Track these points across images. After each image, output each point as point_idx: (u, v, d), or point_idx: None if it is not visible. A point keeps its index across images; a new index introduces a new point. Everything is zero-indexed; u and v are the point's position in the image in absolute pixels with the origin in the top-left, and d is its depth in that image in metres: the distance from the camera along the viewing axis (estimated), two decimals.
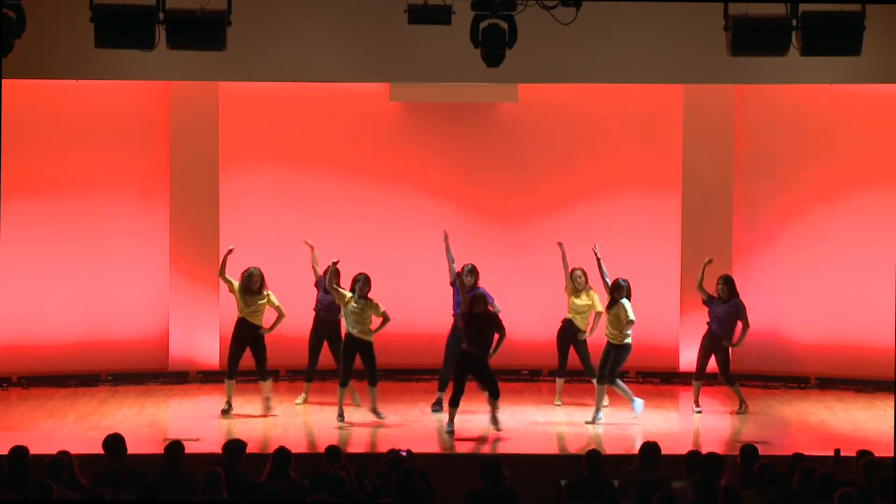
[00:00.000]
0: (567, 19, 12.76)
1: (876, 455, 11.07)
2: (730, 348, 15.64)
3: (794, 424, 15.32)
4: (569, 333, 15.97)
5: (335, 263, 15.35)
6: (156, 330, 17.48)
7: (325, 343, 15.87)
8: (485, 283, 15.46)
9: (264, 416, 15.23)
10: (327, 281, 15.16)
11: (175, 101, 17.22)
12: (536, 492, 12.42)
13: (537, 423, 15.10)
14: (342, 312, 15.07)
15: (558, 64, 14.94)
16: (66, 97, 17.03)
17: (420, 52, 14.64)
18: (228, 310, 17.02)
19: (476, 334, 14.51)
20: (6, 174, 15.80)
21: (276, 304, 15.33)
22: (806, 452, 11.60)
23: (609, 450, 13.74)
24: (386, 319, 14.96)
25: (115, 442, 11.09)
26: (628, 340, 15.14)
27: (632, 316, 15.06)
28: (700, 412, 15.63)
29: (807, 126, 17.60)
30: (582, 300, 15.91)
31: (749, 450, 11.32)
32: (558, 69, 15.08)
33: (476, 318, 14.54)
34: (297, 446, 13.59)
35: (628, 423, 15.09)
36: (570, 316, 15.97)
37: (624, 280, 15.23)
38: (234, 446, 11.12)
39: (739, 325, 15.65)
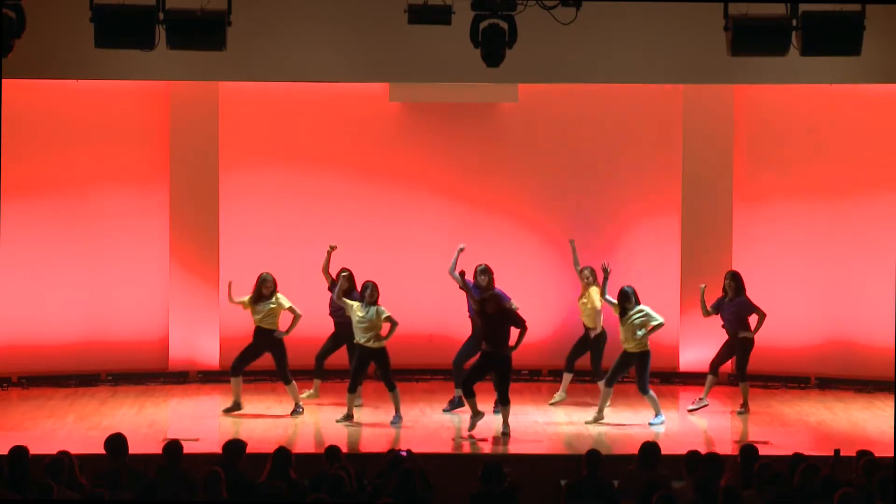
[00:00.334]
0: (567, 19, 12.76)
1: (876, 455, 11.06)
2: (751, 345, 15.56)
3: (793, 424, 15.31)
4: (585, 336, 15.98)
5: (333, 249, 15.39)
6: (156, 330, 17.48)
7: (345, 346, 15.83)
8: None
9: (288, 416, 15.22)
10: (336, 295, 15.14)
11: (175, 101, 17.22)
12: (536, 492, 12.42)
13: (537, 423, 15.10)
14: (353, 323, 15.02)
15: (558, 64, 14.95)
16: (66, 97, 17.03)
17: (420, 52, 14.65)
18: (228, 310, 17.02)
19: (492, 333, 14.49)
20: (6, 174, 15.80)
21: (288, 305, 15.28)
22: (806, 452, 11.59)
23: (609, 450, 13.74)
24: (394, 324, 14.93)
25: (116, 442, 11.09)
26: (648, 347, 15.05)
27: (660, 318, 15.00)
28: (695, 409, 15.59)
29: (807, 126, 17.60)
30: (581, 299, 15.91)
31: (749, 450, 11.32)
32: (558, 69, 15.08)
33: (490, 317, 14.52)
34: (298, 447, 13.62)
35: (628, 423, 15.08)
36: (582, 319, 15.99)
37: (629, 287, 15.14)
38: (234, 446, 11.12)
39: (754, 317, 15.62)
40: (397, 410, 14.92)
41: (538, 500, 12.42)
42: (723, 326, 15.75)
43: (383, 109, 17.68)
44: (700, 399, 15.66)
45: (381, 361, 14.91)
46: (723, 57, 13.15)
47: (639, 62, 15.03)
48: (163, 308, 17.43)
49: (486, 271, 15.40)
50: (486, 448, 14.04)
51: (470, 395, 14.39)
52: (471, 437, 14.33)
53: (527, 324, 14.51)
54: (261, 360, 15.65)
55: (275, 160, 17.69)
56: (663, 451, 11.44)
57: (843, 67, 14.44)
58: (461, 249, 15.52)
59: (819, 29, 12.66)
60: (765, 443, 13.78)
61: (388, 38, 14.57)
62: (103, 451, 11.16)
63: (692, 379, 17.07)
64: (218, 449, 11.41)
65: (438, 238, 17.71)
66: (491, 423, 14.64)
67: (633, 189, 17.79)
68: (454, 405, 15.49)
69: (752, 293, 15.79)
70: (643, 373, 14.98)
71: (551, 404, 16.02)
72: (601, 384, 15.64)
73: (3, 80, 11.64)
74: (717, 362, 15.71)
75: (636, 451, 11.46)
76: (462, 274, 15.18)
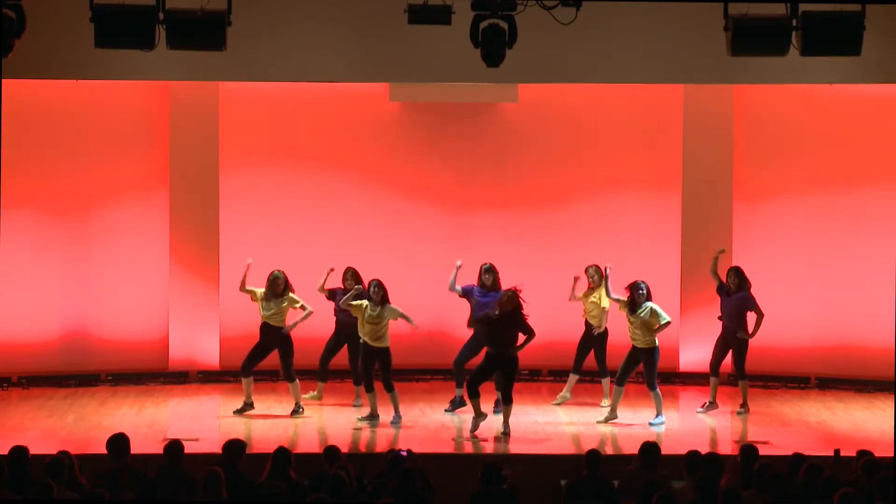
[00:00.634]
0: (567, 19, 12.76)
1: (876, 455, 11.06)
2: (747, 344, 15.57)
3: (793, 424, 15.32)
4: (588, 335, 15.97)
5: (331, 271, 15.45)
6: (156, 330, 17.48)
7: (346, 346, 15.84)
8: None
9: (290, 416, 15.22)
10: (343, 302, 15.15)
11: (175, 101, 17.22)
12: (536, 492, 12.42)
13: (537, 423, 15.10)
14: (359, 322, 15.00)
15: (558, 64, 14.95)
16: (66, 97, 17.03)
17: (420, 52, 14.65)
18: (229, 310, 17.06)
19: (500, 335, 14.45)
20: (6, 174, 15.80)
21: (299, 303, 15.26)
22: (806, 452, 11.58)
23: (609, 450, 13.75)
24: (409, 320, 14.92)
25: (118, 442, 11.09)
26: (656, 344, 15.06)
27: (667, 317, 15.01)
28: (704, 411, 15.61)
29: (806, 126, 17.61)
30: (591, 298, 15.89)
31: (749, 450, 11.32)
32: (558, 69, 15.08)
33: (499, 319, 14.46)
34: (299, 447, 13.63)
35: (628, 423, 15.08)
36: (586, 318, 15.98)
37: (643, 281, 15.14)
38: (234, 446, 11.12)
39: (752, 315, 15.61)
40: (396, 410, 14.92)
41: (538, 500, 12.42)
42: (719, 318, 15.72)
43: (383, 109, 17.69)
44: (710, 403, 15.64)
45: (385, 361, 14.91)
46: (723, 57, 13.15)
47: (639, 62, 15.03)
48: (163, 308, 17.43)
49: (491, 270, 15.40)
50: (487, 448, 14.03)
51: (474, 396, 14.37)
52: (473, 437, 14.32)
53: (534, 333, 14.49)
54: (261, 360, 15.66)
55: (275, 160, 17.69)
56: (663, 451, 11.44)
57: (843, 67, 14.44)
58: (459, 266, 15.48)
59: (819, 29, 12.66)
60: (765, 443, 13.78)
61: (388, 38, 14.57)
62: (103, 451, 11.16)
63: (692, 379, 17.08)
64: (218, 449, 11.40)
65: (438, 238, 17.73)
66: (491, 422, 14.63)
67: (633, 189, 17.79)
68: (455, 405, 15.49)
69: (752, 293, 15.78)
70: (651, 370, 14.99)
71: (555, 404, 16.02)
72: (604, 382, 15.68)
73: (3, 80, 11.64)
74: (715, 362, 15.71)
75: (636, 451, 11.46)
76: (466, 290, 15.24)
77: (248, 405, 15.33)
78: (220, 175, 17.38)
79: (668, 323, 15.01)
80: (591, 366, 16.13)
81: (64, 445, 11.95)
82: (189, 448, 11.34)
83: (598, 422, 15.05)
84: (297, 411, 15.31)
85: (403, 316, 14.89)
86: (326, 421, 15.19)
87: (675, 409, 16.10)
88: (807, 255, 17.63)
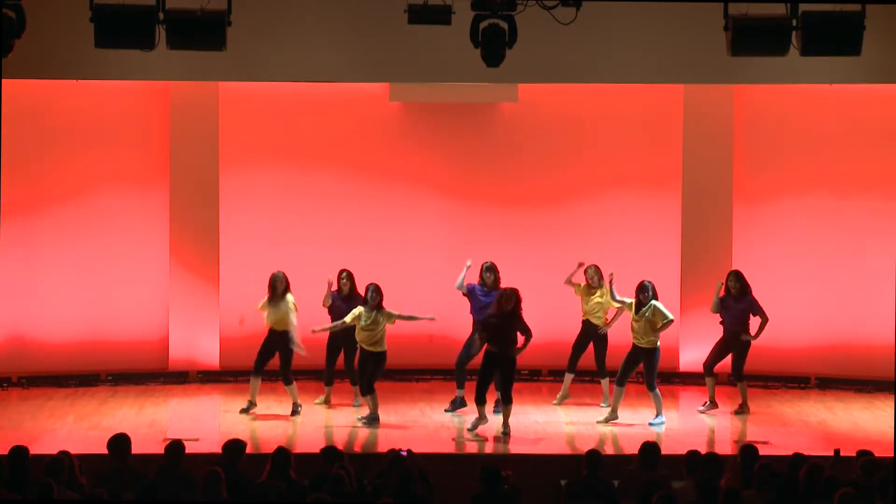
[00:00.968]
0: (567, 19, 12.76)
1: (876, 455, 11.07)
2: (748, 347, 15.56)
3: (793, 424, 15.32)
4: (588, 334, 15.96)
5: (332, 286, 15.51)
6: (156, 330, 17.48)
7: (343, 350, 15.84)
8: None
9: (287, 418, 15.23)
10: (323, 301, 15.21)
11: (175, 101, 17.22)
12: (536, 492, 12.43)
13: (537, 423, 15.10)
14: (356, 328, 14.99)
15: (558, 64, 14.95)
16: (66, 97, 17.03)
17: (420, 52, 14.64)
18: (228, 310, 17.07)
19: (503, 334, 14.45)
20: (6, 174, 15.80)
21: (292, 309, 15.26)
22: (806, 452, 11.58)
23: (609, 450, 13.75)
24: (408, 318, 14.92)
25: (120, 442, 11.10)
26: (658, 344, 15.07)
27: (670, 315, 15.02)
28: (704, 410, 15.62)
29: (807, 126, 17.61)
30: (595, 298, 15.88)
31: (749, 450, 11.32)
32: (558, 69, 15.08)
33: (501, 317, 14.46)
34: (299, 447, 13.63)
35: (628, 423, 15.08)
36: (585, 317, 15.97)
37: (649, 282, 15.15)
38: (234, 446, 11.12)
39: (753, 318, 15.62)
40: (373, 411, 14.85)
41: (538, 500, 12.42)
42: (721, 323, 15.73)
43: (383, 109, 17.69)
44: (708, 403, 15.65)
45: (377, 364, 14.88)
46: (723, 57, 13.15)
47: (639, 62, 15.03)
48: (163, 308, 17.42)
49: (491, 269, 15.41)
50: (488, 447, 14.03)
51: (481, 403, 14.41)
52: (476, 435, 14.32)
53: (532, 333, 14.49)
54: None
55: (275, 160, 17.69)
56: (663, 451, 11.45)
57: (843, 67, 14.43)
58: (468, 266, 15.49)
59: (819, 29, 12.66)
60: (765, 443, 13.78)
61: (388, 38, 14.57)
62: (103, 451, 11.17)
63: (692, 379, 17.07)
64: (218, 449, 11.40)
65: (438, 238, 17.73)
66: (491, 422, 14.63)
67: (633, 189, 17.79)
68: (456, 405, 15.49)
69: (753, 293, 15.78)
70: (651, 370, 14.99)
71: (555, 404, 16.02)
72: (603, 382, 15.69)
73: (3, 80, 11.64)
74: (711, 363, 15.71)
75: (636, 451, 11.46)
76: (470, 290, 15.25)
77: (252, 404, 15.33)
78: (220, 175, 17.38)
79: (671, 321, 15.01)
80: (589, 365, 16.12)
81: (64, 445, 11.94)
82: (189, 448, 11.35)
83: (599, 422, 15.05)
84: (295, 412, 15.31)
85: (403, 317, 14.87)
86: (326, 421, 15.18)
87: (675, 409, 16.10)
88: (807, 255, 17.63)
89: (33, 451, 10.87)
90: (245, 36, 13.65)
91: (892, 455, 10.66)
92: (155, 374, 17.31)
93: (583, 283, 15.96)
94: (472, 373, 15.04)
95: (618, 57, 14.99)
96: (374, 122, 17.72)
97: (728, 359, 15.74)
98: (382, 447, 13.16)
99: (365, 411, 15.07)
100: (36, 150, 17.11)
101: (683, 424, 15.32)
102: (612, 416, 15.09)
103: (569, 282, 15.95)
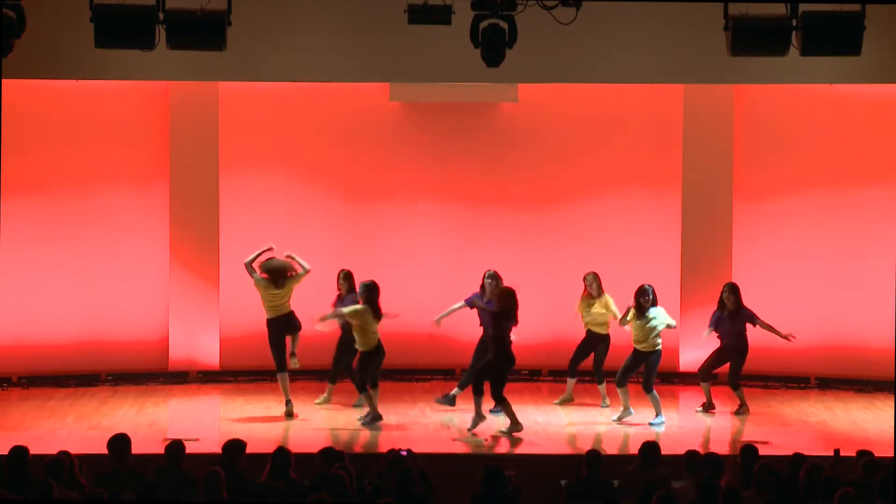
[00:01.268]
0: (567, 19, 12.76)
1: (876, 455, 11.07)
2: (746, 356, 15.58)
3: (793, 424, 15.32)
4: (592, 341, 15.94)
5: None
6: (156, 330, 17.48)
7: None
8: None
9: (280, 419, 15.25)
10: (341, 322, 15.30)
11: (175, 101, 17.22)
12: (536, 492, 12.43)
13: (537, 423, 15.09)
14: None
15: (558, 64, 14.95)
16: (66, 97, 17.02)
17: (420, 52, 14.64)
18: (228, 310, 17.05)
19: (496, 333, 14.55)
20: (6, 174, 15.80)
21: (300, 274, 15.27)
22: (806, 452, 11.59)
23: (609, 450, 13.75)
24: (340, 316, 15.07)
25: (120, 442, 11.10)
26: (659, 347, 15.09)
27: (672, 321, 15.03)
28: (701, 411, 15.64)
29: (806, 126, 17.60)
30: (597, 308, 15.85)
31: (749, 450, 11.33)
32: (558, 69, 15.08)
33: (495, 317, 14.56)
34: (299, 447, 13.62)
35: (628, 423, 15.08)
36: (588, 328, 15.95)
37: (649, 285, 15.14)
38: (234, 446, 11.12)
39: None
40: (372, 409, 14.84)
41: (538, 500, 12.42)
42: (719, 337, 15.73)
43: (383, 109, 17.68)
44: (707, 404, 15.66)
45: (360, 362, 14.90)
46: (723, 57, 13.15)
47: (639, 62, 15.03)
48: (163, 308, 17.42)
49: (494, 276, 15.46)
50: (487, 447, 14.03)
51: (478, 394, 14.42)
52: (473, 435, 14.32)
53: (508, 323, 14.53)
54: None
55: (275, 160, 17.68)
56: (663, 451, 11.45)
57: (843, 67, 14.43)
58: (452, 310, 15.54)
59: (819, 29, 12.67)
60: (765, 443, 13.78)
61: (388, 38, 14.57)
62: (103, 451, 11.18)
63: (692, 379, 17.05)
64: (218, 449, 11.41)
65: (438, 238, 17.72)
66: (492, 422, 14.64)
67: (633, 189, 17.78)
68: (448, 400, 15.41)
69: (753, 293, 15.82)
70: (650, 373, 15.01)
71: (556, 404, 16.01)
72: (601, 388, 15.71)
73: (3, 80, 11.64)
74: (706, 369, 15.71)
75: (636, 451, 11.46)
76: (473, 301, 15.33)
77: (289, 402, 15.25)
78: (220, 175, 17.38)
79: (673, 326, 15.07)
80: (589, 365, 16.10)
81: (64, 445, 11.94)
82: (189, 448, 11.35)
83: (614, 420, 15.02)
84: (289, 411, 15.25)
85: (338, 315, 14.95)
86: (326, 421, 15.17)
87: (675, 410, 16.10)
88: (807, 254, 17.62)
89: (33, 451, 10.87)
90: (245, 36, 13.65)
91: (893, 455, 10.65)
92: (155, 374, 17.31)
93: (582, 294, 15.92)
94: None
95: (618, 57, 14.99)
96: (374, 122, 17.72)
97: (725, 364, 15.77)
98: (382, 447, 13.16)
99: (366, 411, 15.09)
100: (36, 150, 17.10)
101: (683, 424, 15.32)
102: (626, 414, 15.07)
103: (623, 322, 15.67)
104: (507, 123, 17.85)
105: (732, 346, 15.62)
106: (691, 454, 11.19)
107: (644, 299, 15.02)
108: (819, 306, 17.58)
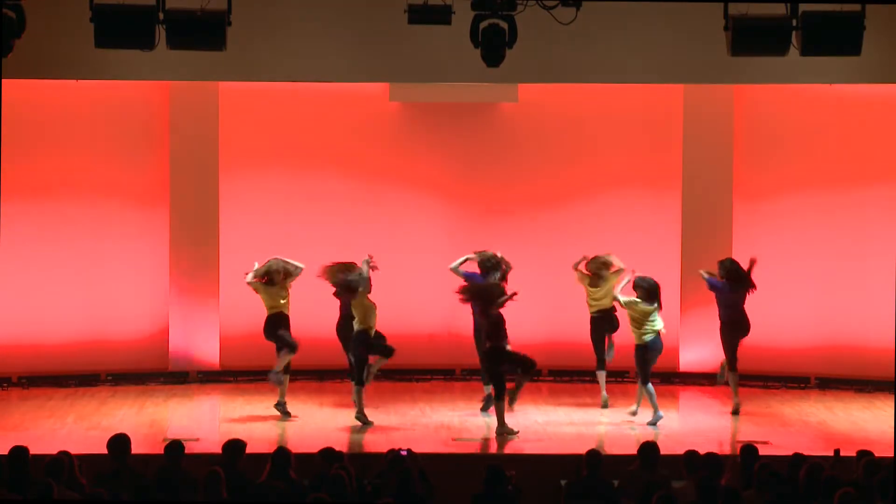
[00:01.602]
0: (567, 19, 12.76)
1: (876, 455, 11.06)
2: (741, 341, 15.55)
3: (793, 424, 15.32)
4: (600, 325, 15.87)
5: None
6: (156, 330, 17.47)
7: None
8: None
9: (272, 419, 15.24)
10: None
11: (175, 101, 17.22)
12: (536, 492, 12.42)
13: (537, 423, 15.09)
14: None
15: (558, 64, 14.95)
16: (66, 97, 17.02)
17: (420, 52, 14.64)
18: (228, 310, 17.05)
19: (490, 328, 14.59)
20: (6, 174, 15.79)
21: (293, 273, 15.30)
22: (806, 452, 11.58)
23: (609, 450, 13.74)
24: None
25: (120, 442, 11.10)
26: (647, 338, 15.02)
27: (660, 326, 15.02)
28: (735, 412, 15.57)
29: (806, 126, 17.60)
30: (602, 289, 15.80)
31: (749, 450, 11.32)
32: (558, 69, 15.08)
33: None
34: (299, 447, 13.62)
35: (628, 423, 15.08)
36: (593, 310, 15.87)
37: (645, 280, 15.11)
38: (234, 446, 11.12)
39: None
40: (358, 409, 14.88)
41: (538, 500, 12.42)
42: (719, 316, 15.61)
43: (383, 109, 17.68)
44: (736, 404, 15.57)
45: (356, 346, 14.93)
46: (723, 57, 13.16)
47: (639, 62, 15.03)
48: (163, 308, 17.42)
49: (490, 256, 15.45)
50: (488, 446, 14.04)
51: (487, 384, 14.52)
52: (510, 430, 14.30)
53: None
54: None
55: (275, 160, 17.68)
56: (663, 451, 11.44)
57: (843, 67, 14.43)
58: (469, 258, 15.52)
59: (819, 29, 12.67)
60: (765, 443, 13.78)
61: (388, 38, 14.57)
62: (103, 451, 11.17)
63: (692, 379, 17.08)
64: (218, 449, 11.40)
65: (438, 238, 17.72)
66: (492, 422, 14.65)
67: (633, 189, 17.79)
68: (489, 404, 15.34)
69: (753, 293, 15.78)
70: (646, 364, 14.98)
71: (603, 408, 15.86)
72: (599, 374, 15.68)
73: (3, 80, 11.64)
74: (733, 358, 15.51)
75: (636, 451, 11.46)
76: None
77: (282, 403, 15.26)
78: (220, 175, 17.37)
79: (622, 271, 15.19)
80: (589, 366, 16.10)
81: (64, 445, 11.93)
82: (189, 448, 11.35)
83: (649, 423, 14.88)
84: (282, 412, 15.24)
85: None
86: (326, 421, 15.17)
87: (675, 410, 16.09)
88: (807, 254, 17.62)
89: (33, 451, 10.86)
90: (245, 36, 13.65)
91: (893, 455, 10.65)
92: (155, 374, 17.30)
93: (587, 275, 15.85)
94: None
95: (618, 57, 14.99)
96: (374, 122, 17.72)
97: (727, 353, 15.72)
98: (382, 447, 13.15)
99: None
100: (36, 150, 17.10)
101: (683, 424, 15.31)
102: (657, 417, 14.94)
103: (576, 268, 15.75)
104: (507, 123, 17.85)
105: (732, 320, 15.45)
106: (691, 454, 11.19)
107: (639, 291, 14.97)
108: (819, 306, 17.59)
